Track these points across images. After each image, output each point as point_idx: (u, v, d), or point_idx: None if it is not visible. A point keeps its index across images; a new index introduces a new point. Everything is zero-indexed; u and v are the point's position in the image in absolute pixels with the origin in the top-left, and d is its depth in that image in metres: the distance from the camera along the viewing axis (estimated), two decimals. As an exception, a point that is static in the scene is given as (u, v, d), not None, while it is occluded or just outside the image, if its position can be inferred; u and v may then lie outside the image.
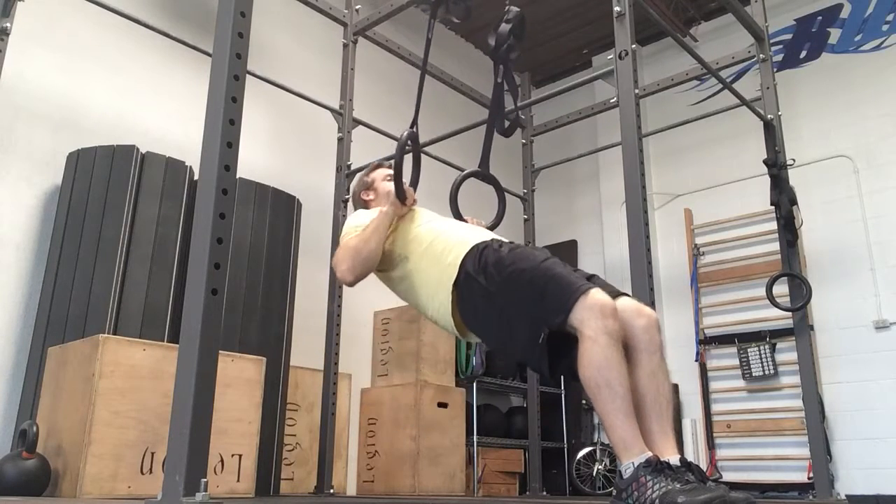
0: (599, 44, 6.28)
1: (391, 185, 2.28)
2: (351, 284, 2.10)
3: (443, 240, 2.02)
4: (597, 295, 1.67)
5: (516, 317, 1.80)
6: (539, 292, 1.74)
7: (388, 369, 4.61)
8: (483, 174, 2.40)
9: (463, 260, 1.92)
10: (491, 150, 2.38)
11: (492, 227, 2.35)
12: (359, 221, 2.18)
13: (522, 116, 4.69)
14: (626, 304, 1.76)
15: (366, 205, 2.43)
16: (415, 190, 2.27)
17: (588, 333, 1.62)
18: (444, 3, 2.29)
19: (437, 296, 1.97)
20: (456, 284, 1.91)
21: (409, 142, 2.20)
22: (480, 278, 1.86)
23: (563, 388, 5.63)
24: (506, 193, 2.52)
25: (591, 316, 1.63)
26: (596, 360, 1.60)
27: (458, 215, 2.33)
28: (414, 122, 2.24)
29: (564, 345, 1.73)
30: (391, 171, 2.42)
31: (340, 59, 3.96)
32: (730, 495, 1.43)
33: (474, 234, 2.04)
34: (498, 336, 1.92)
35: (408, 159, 2.26)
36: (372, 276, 2.16)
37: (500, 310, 1.85)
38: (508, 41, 2.17)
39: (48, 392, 2.81)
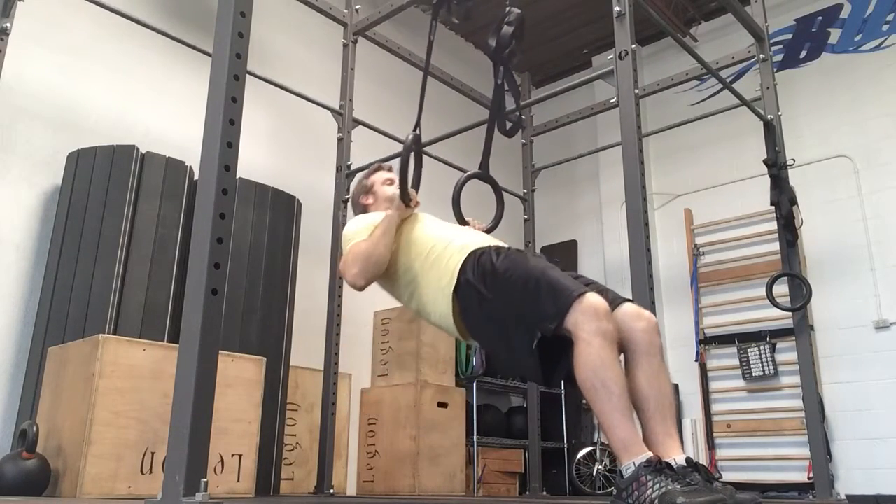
0: (599, 44, 6.28)
1: (391, 189, 2.28)
2: (361, 289, 2.09)
3: (442, 246, 2.02)
4: (591, 298, 1.68)
5: (512, 323, 1.80)
6: (533, 297, 1.75)
7: (388, 369, 4.61)
8: (482, 175, 2.41)
9: (462, 265, 1.92)
10: (490, 151, 2.38)
11: (490, 230, 2.34)
12: (359, 226, 2.16)
13: (524, 117, 4.69)
14: (627, 308, 1.79)
15: (365, 209, 2.41)
16: (417, 191, 2.26)
17: (582, 336, 1.63)
18: (445, 4, 2.28)
19: (439, 301, 1.97)
20: (456, 290, 1.91)
21: (414, 145, 2.19)
22: (479, 285, 1.86)
23: (562, 388, 5.63)
24: (506, 193, 2.52)
25: (585, 319, 1.64)
26: (591, 361, 1.61)
27: (460, 217, 2.32)
28: (417, 125, 2.24)
29: (560, 351, 1.73)
30: (390, 175, 2.42)
31: (340, 59, 3.96)
32: (735, 497, 1.42)
33: (473, 239, 2.04)
34: (495, 343, 1.92)
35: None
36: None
37: (496, 316, 1.85)
38: (511, 45, 2.17)
39: (48, 392, 2.81)
